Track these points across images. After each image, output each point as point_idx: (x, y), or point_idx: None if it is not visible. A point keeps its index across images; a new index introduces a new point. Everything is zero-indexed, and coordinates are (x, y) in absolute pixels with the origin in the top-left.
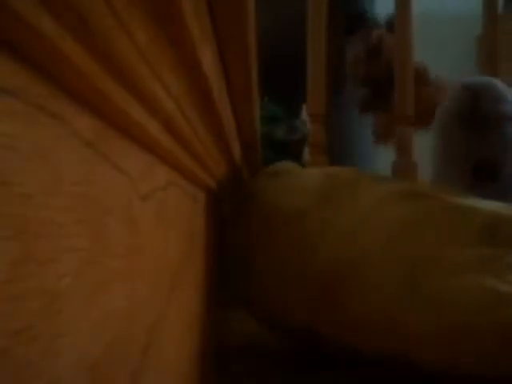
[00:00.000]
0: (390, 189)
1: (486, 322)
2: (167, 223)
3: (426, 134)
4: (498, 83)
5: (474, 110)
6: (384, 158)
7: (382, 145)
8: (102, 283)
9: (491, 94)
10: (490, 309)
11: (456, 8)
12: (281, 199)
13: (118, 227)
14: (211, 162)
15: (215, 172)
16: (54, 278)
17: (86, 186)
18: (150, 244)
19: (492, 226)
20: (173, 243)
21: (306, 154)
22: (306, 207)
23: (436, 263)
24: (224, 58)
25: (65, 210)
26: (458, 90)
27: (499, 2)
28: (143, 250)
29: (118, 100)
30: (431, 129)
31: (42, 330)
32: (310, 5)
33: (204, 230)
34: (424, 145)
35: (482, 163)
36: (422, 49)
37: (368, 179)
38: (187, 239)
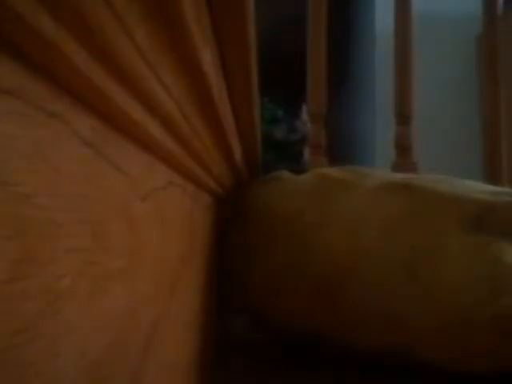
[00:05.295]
0: (381, 184)
1: (486, 315)
2: (167, 223)
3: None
4: None
5: None
6: (384, 158)
7: None
8: (102, 283)
9: None
10: (489, 299)
11: (456, 8)
12: (276, 202)
13: (118, 227)
14: (211, 162)
15: (216, 172)
16: (54, 278)
17: (86, 186)
18: (149, 244)
19: (482, 214)
20: (173, 243)
21: (306, 154)
22: (299, 209)
23: (434, 252)
24: (224, 58)
25: (65, 210)
26: None
27: (499, 2)
28: (143, 250)
29: (118, 100)
30: None
31: (42, 329)
32: (310, 5)
33: (204, 231)
34: (424, 144)
35: None
36: (422, 49)
37: (358, 176)
38: (187, 239)
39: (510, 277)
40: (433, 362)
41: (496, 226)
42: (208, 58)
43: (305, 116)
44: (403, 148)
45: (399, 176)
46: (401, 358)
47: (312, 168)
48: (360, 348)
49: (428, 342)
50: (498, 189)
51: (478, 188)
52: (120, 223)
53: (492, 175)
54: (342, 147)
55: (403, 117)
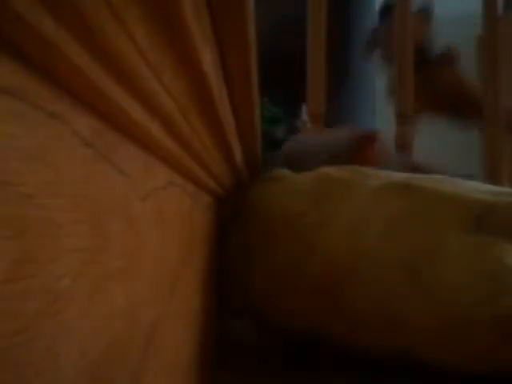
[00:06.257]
0: (382, 184)
1: (486, 315)
2: (167, 223)
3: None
4: None
5: None
6: None
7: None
8: (101, 283)
9: None
10: (489, 299)
11: (456, 8)
12: (276, 202)
13: (118, 227)
14: (211, 162)
15: (216, 172)
16: (54, 278)
17: (86, 186)
18: (149, 244)
19: (483, 214)
20: (173, 243)
21: None
22: (299, 209)
23: (434, 252)
24: (224, 58)
25: (65, 210)
26: None
27: (499, 2)
28: (143, 250)
29: (118, 100)
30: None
31: (42, 329)
32: (310, 5)
33: (204, 231)
34: (424, 145)
35: None
36: None
37: (358, 175)
38: (187, 239)
39: (510, 277)
40: (433, 361)
41: (496, 226)
42: (208, 58)
43: (305, 116)
44: (403, 147)
45: (400, 176)
46: (401, 358)
47: None
48: (360, 348)
49: (428, 342)
50: (499, 189)
51: (479, 188)
52: (120, 223)
53: (492, 175)
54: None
55: (403, 117)
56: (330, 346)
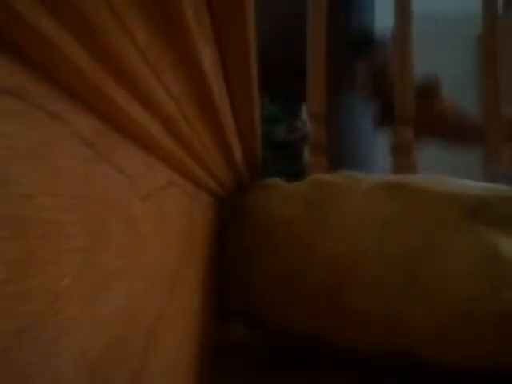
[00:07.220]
0: (377, 184)
1: (486, 312)
2: (167, 223)
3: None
4: None
5: None
6: (384, 158)
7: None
8: (101, 283)
9: None
10: (489, 296)
11: (456, 8)
12: (275, 206)
13: (118, 227)
14: (211, 162)
15: (216, 172)
16: (54, 278)
17: (86, 186)
18: (149, 244)
19: (478, 209)
20: (173, 243)
21: (306, 154)
22: (298, 212)
23: (434, 250)
24: (224, 58)
25: (65, 210)
26: None
27: (499, 2)
28: (143, 250)
29: (118, 100)
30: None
31: (42, 329)
32: (310, 5)
33: (204, 231)
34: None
35: None
36: (422, 49)
37: (353, 180)
38: (187, 239)
39: (509, 271)
40: (433, 361)
41: (492, 220)
42: (208, 58)
43: (305, 116)
44: (403, 148)
45: (392, 176)
46: (401, 357)
47: (312, 168)
48: (360, 348)
49: (428, 342)
50: (491, 185)
51: (471, 185)
52: (120, 223)
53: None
54: (342, 147)
55: (402, 117)
56: (330, 346)
